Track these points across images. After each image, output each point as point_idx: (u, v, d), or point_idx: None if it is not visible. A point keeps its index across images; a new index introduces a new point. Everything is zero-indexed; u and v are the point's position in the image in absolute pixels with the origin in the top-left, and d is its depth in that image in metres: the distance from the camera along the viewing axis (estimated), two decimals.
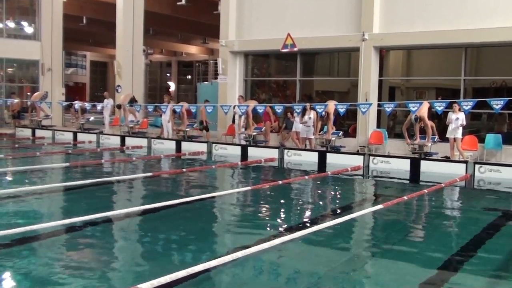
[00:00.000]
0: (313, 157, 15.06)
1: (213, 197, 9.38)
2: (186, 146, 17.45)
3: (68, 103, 23.39)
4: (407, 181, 12.51)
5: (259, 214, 8.50)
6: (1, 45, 25.36)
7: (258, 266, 5.91)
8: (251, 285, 5.40)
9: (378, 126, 17.43)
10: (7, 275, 5.30)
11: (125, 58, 24.52)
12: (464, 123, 14.08)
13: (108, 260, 6.06)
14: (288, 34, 18.24)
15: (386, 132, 16.65)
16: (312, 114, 16.20)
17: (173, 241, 6.74)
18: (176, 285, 4.94)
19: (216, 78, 25.10)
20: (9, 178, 11.30)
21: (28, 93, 27.91)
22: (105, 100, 22.03)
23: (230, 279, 5.60)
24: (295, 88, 20.43)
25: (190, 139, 18.35)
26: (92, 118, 22.29)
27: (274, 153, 15.60)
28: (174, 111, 18.73)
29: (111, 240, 7.01)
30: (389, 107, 13.95)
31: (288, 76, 21.83)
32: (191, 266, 5.23)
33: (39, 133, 21.57)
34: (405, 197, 9.48)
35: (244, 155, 16.06)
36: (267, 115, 17.61)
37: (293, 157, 15.33)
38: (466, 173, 12.54)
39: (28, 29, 26.85)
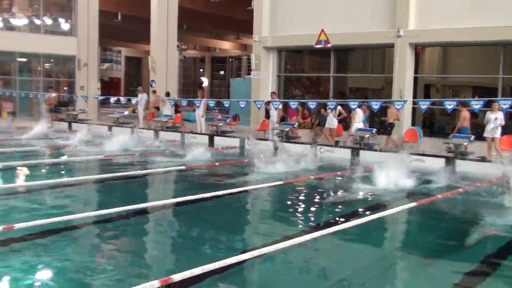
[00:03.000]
0: (346, 154, 14.96)
1: (245, 191, 9.42)
2: (219, 141, 17.54)
3: (104, 97, 23.76)
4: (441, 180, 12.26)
5: (290, 209, 8.49)
6: (39, 41, 25.93)
7: (288, 261, 5.91)
8: (280, 279, 5.40)
9: (413, 124, 17.18)
10: (45, 262, 5.42)
11: (159, 54, 24.77)
12: (503, 122, 13.75)
13: (142, 251, 6.16)
14: (322, 30, 18.14)
15: (421, 130, 16.40)
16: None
17: (205, 233, 6.79)
18: (207, 277, 4.98)
19: (249, 74, 25.12)
20: (47, 169, 11.55)
21: (65, 88, 28.50)
22: (139, 95, 22.32)
23: (260, 273, 5.62)
24: (328, 84, 20.32)
25: (223, 134, 18.43)
26: (126, 113, 22.58)
27: (306, 150, 15.53)
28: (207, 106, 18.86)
29: (144, 231, 7.12)
30: (424, 104, 13.74)
31: (322, 73, 21.72)
32: (222, 259, 5.28)
33: (75, 126, 21.98)
34: (439, 196, 9.34)
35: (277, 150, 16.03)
36: (295, 111, 17.58)
37: (325, 154, 15.25)
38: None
39: (65, 25, 27.37)
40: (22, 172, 11.20)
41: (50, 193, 8.95)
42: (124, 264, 5.55)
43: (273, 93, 19.10)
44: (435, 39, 16.73)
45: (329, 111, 16.41)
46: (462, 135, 14.14)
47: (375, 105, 14.15)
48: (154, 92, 23.71)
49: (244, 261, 5.53)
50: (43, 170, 11.49)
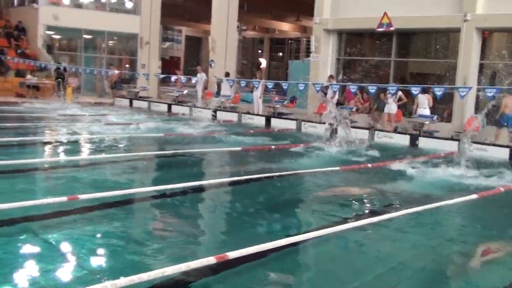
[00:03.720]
0: (405, 140, 14.68)
1: (299, 173, 9.42)
2: (276, 123, 17.57)
3: (165, 75, 24.20)
4: (506, 171, 11.83)
5: (346, 194, 8.45)
6: (104, 19, 26.63)
7: (343, 245, 5.91)
8: (334, 262, 5.42)
9: (476, 111, 16.63)
10: (104, 234, 5.65)
11: (219, 34, 24.92)
12: None
13: (196, 228, 6.29)
14: (385, 13, 17.74)
15: (485, 118, 15.84)
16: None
17: (259, 213, 6.86)
18: (261, 257, 5.05)
19: (307, 56, 24.92)
20: (108, 144, 11.91)
21: (127, 65, 29.21)
22: (198, 75, 22.61)
23: (314, 255, 5.65)
24: (388, 69, 19.90)
25: (280, 115, 18.44)
26: (186, 92, 22.95)
27: (363, 135, 15.34)
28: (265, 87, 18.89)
29: (199, 208, 7.28)
30: (490, 92, 13.27)
31: (382, 57, 21.26)
32: (277, 239, 5.34)
33: (136, 103, 22.55)
34: (501, 189, 9.04)
35: (333, 134, 15.91)
36: (351, 94, 17.35)
37: (383, 139, 15.02)
38: None
39: (129, 4, 27.95)
40: (89, 145, 11.62)
41: (113, 167, 9.23)
42: (181, 239, 5.69)
43: (331, 76, 18.91)
44: (504, 24, 16.04)
45: (388, 96, 16.11)
46: None
47: (438, 91, 13.77)
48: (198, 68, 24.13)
49: (298, 242, 5.56)
50: (108, 145, 11.84)
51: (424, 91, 15.40)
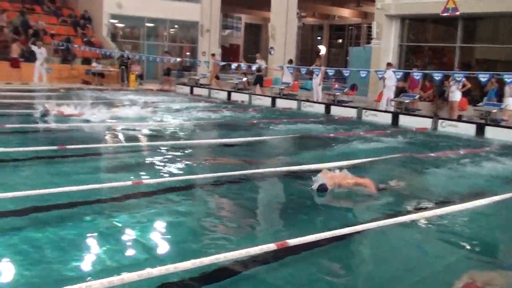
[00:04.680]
0: (470, 129, 14.19)
1: (361, 163, 9.27)
2: (335, 111, 17.41)
3: (224, 63, 24.40)
4: None
5: (407, 184, 8.24)
6: (166, 7, 27.08)
7: (405, 236, 5.80)
8: (390, 253, 5.32)
9: None
10: (168, 217, 5.80)
11: (279, 21, 24.86)
12: None
13: (254, 215, 6.33)
14: None
15: None
16: None
17: (317, 202, 6.81)
18: (321, 246, 5.04)
19: (368, 43, 24.50)
20: (170, 131, 12.16)
21: (187, 53, 29.63)
22: (257, 61, 22.66)
23: (372, 245, 5.58)
24: (453, 55, 19.29)
25: (340, 103, 18.25)
26: (244, 79, 23.06)
27: (427, 123, 14.97)
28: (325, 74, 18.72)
29: (256, 196, 7.29)
30: None
31: (447, 43, 20.63)
32: (336, 229, 5.31)
33: (196, 91, 22.89)
34: None
35: (394, 122, 15.63)
36: (415, 82, 16.92)
37: (447, 128, 14.59)
38: None
39: None
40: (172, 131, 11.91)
41: (177, 152, 9.37)
42: (242, 226, 5.76)
43: (388, 64, 18.49)
44: None
45: (452, 83, 15.61)
46: None
47: (508, 78, 13.23)
48: (213, 55, 24.11)
49: (357, 232, 5.49)
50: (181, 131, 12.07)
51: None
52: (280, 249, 4.70)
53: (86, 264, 4.46)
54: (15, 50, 22.30)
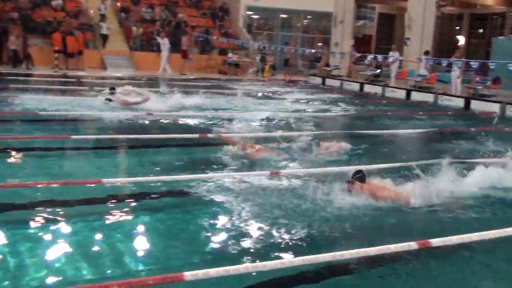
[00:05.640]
0: None
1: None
2: (476, 105, 16.49)
3: (360, 54, 24.07)
4: None
5: None
6: None
7: None
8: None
9: None
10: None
11: (416, 10, 23.98)
12: None
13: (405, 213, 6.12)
14: None
15: None
16: None
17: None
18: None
19: None
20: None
21: (319, 44, 29.64)
22: (390, 53, 22.09)
23: (486, 255, 5.17)
24: None
25: (481, 97, 17.24)
26: (378, 71, 22.60)
27: None
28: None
29: None
30: None
31: None
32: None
33: (328, 82, 22.89)
34: None
35: None
36: None
37: None
38: None
39: None
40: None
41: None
42: (385, 222, 5.67)
43: None
44: None
45: None
46: None
47: None
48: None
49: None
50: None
51: None
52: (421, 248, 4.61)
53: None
54: (185, 42, 23.51)
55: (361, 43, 41.41)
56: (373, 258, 4.51)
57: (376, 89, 20.30)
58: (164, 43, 22.48)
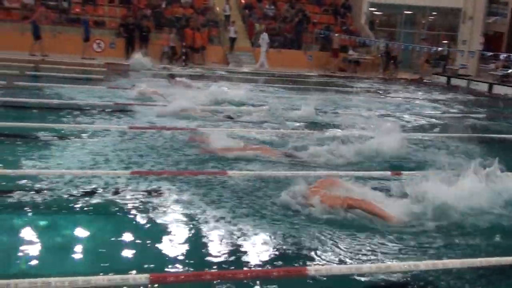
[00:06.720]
0: None
1: None
2: None
3: (491, 53, 22.71)
4: None
5: None
6: None
7: None
8: None
9: None
10: None
11: None
12: None
13: None
14: None
15: None
16: None
17: None
18: None
19: None
20: None
21: (444, 41, 28.39)
22: None
23: None
24: None
25: None
26: (510, 71, 21.21)
27: None
28: None
29: None
30: None
31: None
32: None
33: (454, 81, 21.90)
34: None
35: None
36: None
37: None
38: None
39: None
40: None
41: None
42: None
43: None
44: None
45: None
46: None
47: None
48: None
49: None
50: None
51: None
52: None
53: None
54: (336, 41, 23.96)
55: (491, 41, 39.08)
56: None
57: (508, 90, 19.06)
58: (264, 37, 22.76)
